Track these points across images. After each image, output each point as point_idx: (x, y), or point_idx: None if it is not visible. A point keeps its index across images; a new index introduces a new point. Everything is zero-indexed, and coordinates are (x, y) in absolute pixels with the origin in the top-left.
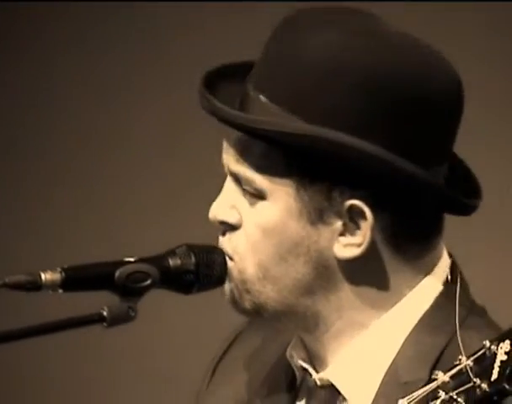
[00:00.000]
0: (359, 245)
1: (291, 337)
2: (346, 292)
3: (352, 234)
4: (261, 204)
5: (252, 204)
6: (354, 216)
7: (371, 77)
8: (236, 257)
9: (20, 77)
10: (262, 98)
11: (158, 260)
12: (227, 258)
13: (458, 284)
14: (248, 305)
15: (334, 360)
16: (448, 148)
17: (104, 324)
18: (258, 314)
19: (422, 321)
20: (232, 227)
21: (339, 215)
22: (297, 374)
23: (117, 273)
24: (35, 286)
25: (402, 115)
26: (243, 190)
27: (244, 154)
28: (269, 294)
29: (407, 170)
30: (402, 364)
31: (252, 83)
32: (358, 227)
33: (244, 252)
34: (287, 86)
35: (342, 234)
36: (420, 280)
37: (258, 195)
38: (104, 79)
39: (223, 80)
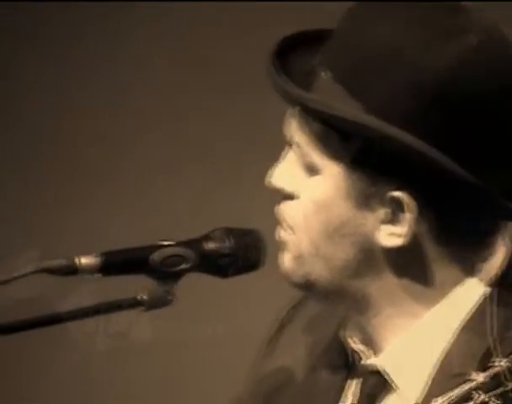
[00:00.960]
0: (401, 235)
1: (344, 317)
2: (392, 281)
3: (395, 224)
4: (315, 178)
5: (308, 176)
6: (398, 207)
7: (434, 77)
8: (293, 230)
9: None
10: (327, 74)
11: (194, 244)
12: (284, 229)
13: (494, 285)
14: (299, 279)
15: (386, 347)
16: (507, 153)
17: (142, 308)
18: (308, 289)
19: (469, 319)
20: (287, 197)
21: (385, 203)
22: (350, 356)
23: (153, 257)
24: (72, 270)
25: (460, 118)
26: (302, 161)
27: (303, 128)
28: (321, 272)
29: (456, 173)
30: (453, 358)
31: (320, 58)
32: (401, 218)
33: (300, 225)
34: (353, 68)
35: (385, 222)
36: (467, 277)
37: (312, 169)
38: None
39: (295, 48)
